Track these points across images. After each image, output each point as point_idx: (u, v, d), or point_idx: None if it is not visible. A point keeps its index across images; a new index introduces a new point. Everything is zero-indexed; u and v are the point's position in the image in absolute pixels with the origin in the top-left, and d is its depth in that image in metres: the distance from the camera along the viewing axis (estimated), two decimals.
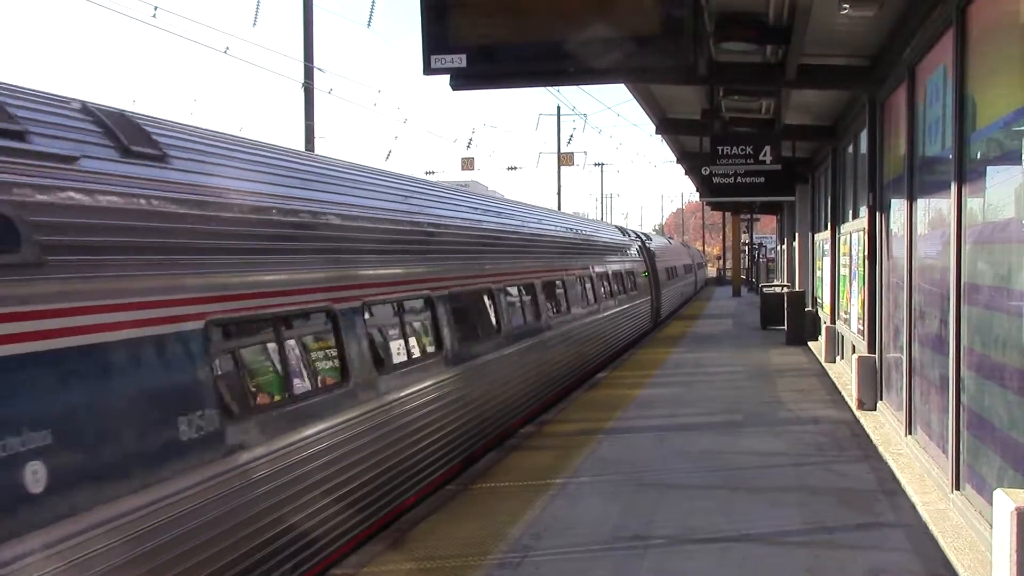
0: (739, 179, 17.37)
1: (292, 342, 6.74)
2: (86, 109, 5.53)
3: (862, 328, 12.74)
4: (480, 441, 10.28)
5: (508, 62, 6.51)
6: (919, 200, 9.16)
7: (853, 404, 12.16)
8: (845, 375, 14.54)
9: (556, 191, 51.53)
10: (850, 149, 15.01)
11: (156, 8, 15.56)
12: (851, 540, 6.88)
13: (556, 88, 34.64)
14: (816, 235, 21.33)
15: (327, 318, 7.18)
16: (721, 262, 75.88)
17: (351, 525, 6.99)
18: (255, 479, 5.68)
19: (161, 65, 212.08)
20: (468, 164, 46.14)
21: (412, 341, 8.96)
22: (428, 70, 6.43)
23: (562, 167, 50.43)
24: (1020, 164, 5.63)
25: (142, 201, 5.31)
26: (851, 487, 8.34)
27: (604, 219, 70.76)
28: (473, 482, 8.79)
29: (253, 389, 6.19)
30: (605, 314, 19.10)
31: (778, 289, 26.97)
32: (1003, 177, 6.18)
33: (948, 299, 7.43)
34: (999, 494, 5.02)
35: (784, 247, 32.79)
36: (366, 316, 7.76)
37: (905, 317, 9.62)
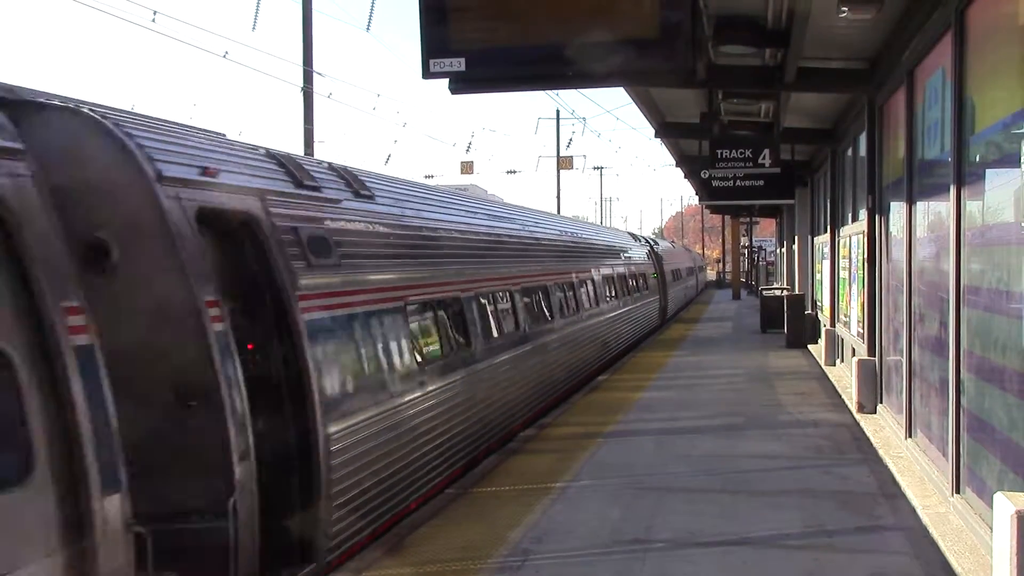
0: (738, 182, 17.39)
1: (443, 316, 9.73)
2: (332, 167, 8.55)
3: (862, 331, 12.73)
4: (552, 395, 13.88)
5: (507, 66, 6.51)
6: (918, 203, 9.16)
7: (853, 407, 12.15)
8: (845, 378, 14.53)
9: (555, 195, 51.53)
10: (849, 152, 15.02)
11: (155, 12, 15.59)
12: (851, 543, 6.87)
13: (555, 92, 34.60)
14: (815, 238, 21.33)
15: (457, 302, 10.16)
16: (721, 265, 75.94)
17: (491, 428, 10.64)
18: (479, 380, 10.19)
19: (160, 69, 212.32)
20: (467, 168, 46.18)
21: (504, 320, 12.06)
22: (427, 74, 6.43)
23: (561, 171, 50.50)
24: (1019, 167, 5.62)
25: (372, 226, 8.45)
26: (851, 490, 8.33)
27: (603, 223, 71.87)
28: (473, 486, 8.78)
29: (427, 344, 9.24)
30: (630, 307, 22.63)
31: (778, 292, 26.99)
32: (1002, 180, 6.18)
33: (948, 302, 7.42)
34: (999, 497, 5.02)
35: (783, 250, 32.82)
36: (476, 302, 10.75)
37: (905, 320, 9.62)
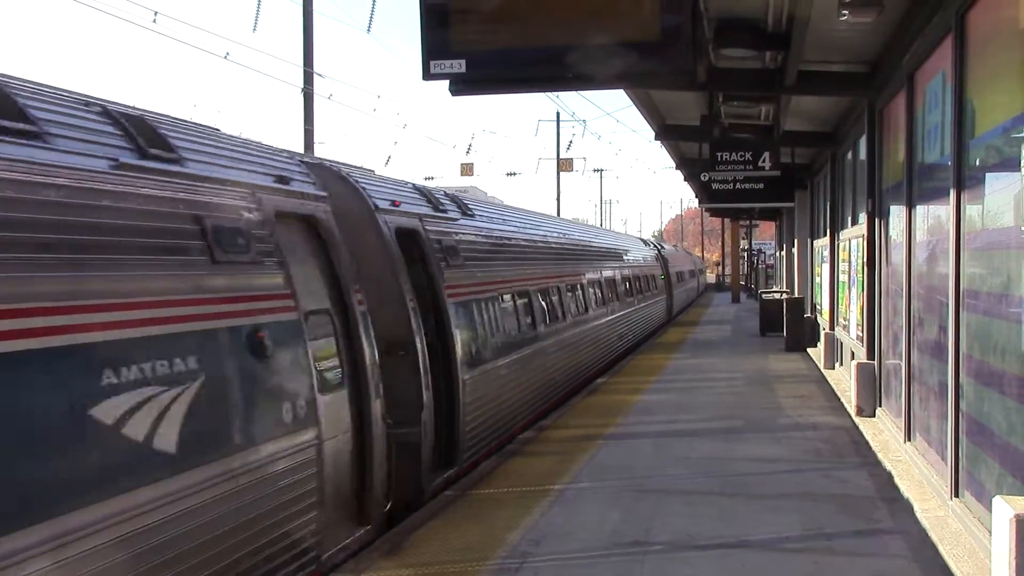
0: (738, 185, 17.41)
1: (520, 303, 12.58)
2: (447, 195, 11.49)
3: (861, 334, 12.73)
4: (599, 365, 18.00)
5: (508, 68, 6.52)
6: (918, 206, 9.16)
7: (852, 410, 12.14)
8: (844, 382, 14.53)
9: (555, 197, 51.55)
10: (849, 155, 15.02)
11: (156, 13, 15.59)
12: (850, 547, 6.87)
13: (555, 94, 34.62)
14: (815, 241, 21.33)
15: (526, 294, 12.90)
16: (720, 268, 75.94)
17: (554, 388, 13.92)
18: (544, 352, 13.33)
19: (161, 69, 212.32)
20: (467, 170, 46.16)
21: (562, 307, 15.00)
22: (428, 75, 6.44)
23: (561, 173, 50.51)
24: (1019, 171, 5.63)
25: (477, 236, 11.32)
26: (850, 493, 8.33)
27: (603, 225, 73.33)
28: (472, 488, 8.78)
29: (511, 323, 12.03)
30: (647, 303, 26.21)
31: (777, 295, 27.01)
32: (1002, 184, 6.18)
33: (947, 306, 7.42)
34: (998, 501, 5.02)
35: (783, 253, 32.83)
36: (540, 294, 13.65)
37: (904, 324, 9.62)
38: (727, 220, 52.68)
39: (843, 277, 15.50)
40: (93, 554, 4.28)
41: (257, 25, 33.08)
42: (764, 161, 14.72)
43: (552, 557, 6.70)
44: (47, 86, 5.38)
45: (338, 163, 9.08)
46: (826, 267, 17.90)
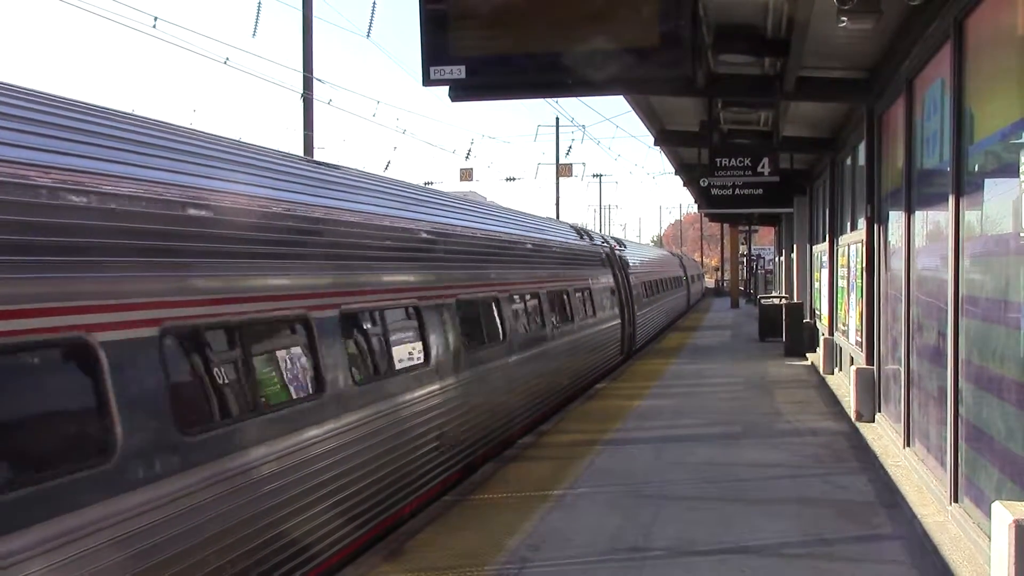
0: (737, 191, 17.41)
1: (647, 285, 27.29)
2: (608, 236, 27.26)
3: (860, 340, 12.74)
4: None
5: (507, 74, 6.53)
6: (917, 212, 9.17)
7: (851, 416, 12.15)
8: (843, 387, 14.53)
9: (555, 202, 51.54)
10: (848, 161, 15.04)
11: (156, 18, 15.61)
12: (849, 552, 6.87)
13: (555, 100, 34.69)
14: (814, 247, 21.35)
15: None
16: (719, 273, 75.98)
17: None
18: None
19: (161, 75, 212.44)
20: (467, 175, 46.19)
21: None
22: (427, 81, 6.45)
23: (561, 178, 50.45)
24: (1018, 176, 5.64)
25: (628, 257, 25.25)
26: (849, 499, 8.33)
27: (602, 230, 61.11)
28: (471, 493, 8.77)
29: (647, 290, 26.95)
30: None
31: (776, 301, 27.00)
32: (1001, 189, 6.19)
33: (946, 311, 7.43)
34: (997, 506, 5.02)
35: (782, 259, 32.83)
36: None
37: (903, 329, 9.62)
38: (726, 225, 52.71)
39: (842, 282, 15.51)
40: None
41: (257, 30, 33.01)
42: (763, 167, 14.75)
43: (551, 562, 6.70)
44: (609, 235, 27.48)
45: (596, 232, 19.46)
46: (825, 272, 17.91)
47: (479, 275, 11.27)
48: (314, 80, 20.37)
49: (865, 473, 9.31)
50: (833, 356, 17.00)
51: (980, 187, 6.71)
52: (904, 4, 8.43)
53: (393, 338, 8.44)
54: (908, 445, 9.52)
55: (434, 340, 9.21)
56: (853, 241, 13.66)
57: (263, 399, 6.09)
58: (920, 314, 9.02)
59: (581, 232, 20.75)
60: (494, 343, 11.37)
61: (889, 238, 11.11)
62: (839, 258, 16.11)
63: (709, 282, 76.02)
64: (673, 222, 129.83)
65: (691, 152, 20.01)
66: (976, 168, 6.82)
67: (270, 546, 5.82)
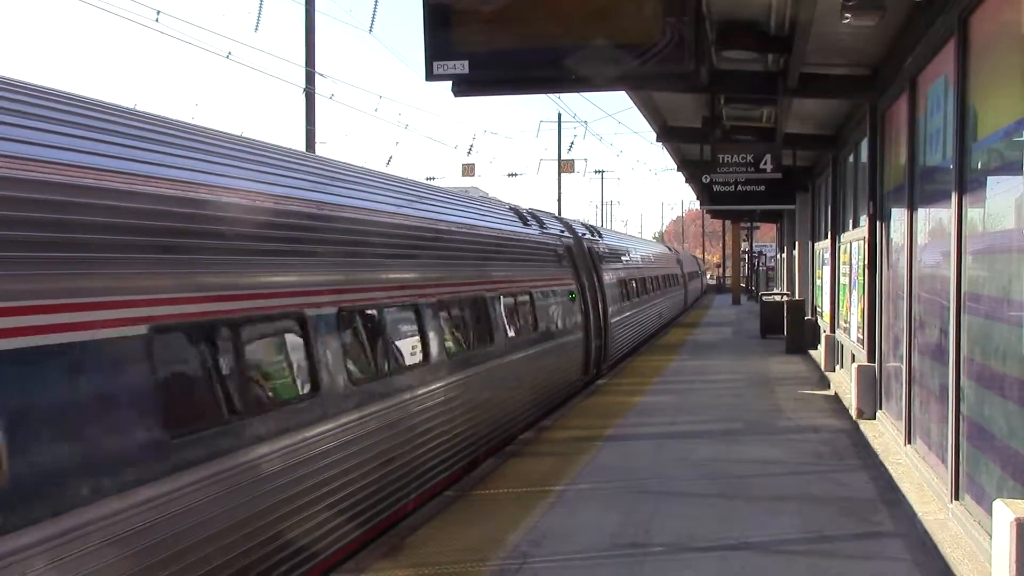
0: (739, 187, 17.42)
1: (629, 285, 22.86)
2: (585, 224, 21.91)
3: (862, 337, 12.73)
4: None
5: (510, 69, 6.52)
6: (919, 210, 9.16)
7: (853, 413, 12.15)
8: (844, 384, 14.53)
9: (557, 198, 51.49)
10: (851, 158, 15.02)
11: (159, 12, 15.60)
12: (850, 549, 6.87)
13: (557, 95, 34.64)
14: (816, 244, 21.34)
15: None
16: (721, 270, 75.94)
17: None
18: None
19: (163, 69, 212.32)
20: (468, 170, 46.16)
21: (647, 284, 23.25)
22: (430, 76, 6.44)
23: (563, 174, 50.50)
24: (1021, 174, 5.63)
25: (605, 248, 21.07)
26: (850, 496, 8.33)
27: (604, 226, 46.87)
28: (472, 488, 8.78)
29: (626, 292, 22.23)
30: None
31: (778, 297, 27.00)
32: (1004, 187, 6.18)
33: (948, 309, 7.43)
34: (998, 504, 5.02)
35: (784, 255, 32.81)
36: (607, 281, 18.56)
37: (905, 326, 9.62)
38: (728, 222, 52.75)
39: (844, 280, 15.51)
40: None
41: (259, 25, 33.05)
42: (766, 163, 14.74)
43: (552, 558, 6.71)
44: (586, 222, 23.55)
45: (569, 218, 19.60)
46: (827, 269, 17.90)
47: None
48: (316, 75, 20.36)
49: (866, 470, 9.31)
50: (834, 353, 17.00)
51: (983, 184, 6.70)
52: (908, 1, 8.42)
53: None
54: (909, 442, 9.52)
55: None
56: (855, 238, 13.65)
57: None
58: (922, 311, 9.01)
59: (526, 216, 15.02)
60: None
61: (891, 235, 11.10)
62: (841, 255, 16.11)
63: (710, 278, 75.97)
64: (675, 218, 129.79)
65: (693, 148, 19.97)
66: (979, 165, 6.81)
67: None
